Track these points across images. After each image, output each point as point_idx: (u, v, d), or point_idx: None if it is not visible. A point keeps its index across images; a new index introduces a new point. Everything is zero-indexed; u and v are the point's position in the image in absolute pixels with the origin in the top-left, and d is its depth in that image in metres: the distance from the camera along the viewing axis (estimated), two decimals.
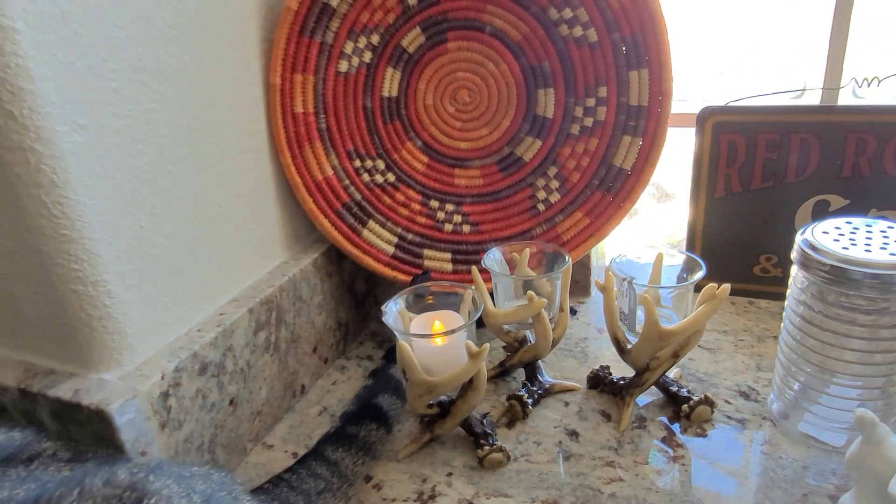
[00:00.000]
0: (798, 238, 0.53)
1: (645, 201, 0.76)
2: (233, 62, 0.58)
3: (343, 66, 0.68)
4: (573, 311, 0.80)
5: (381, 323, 0.81)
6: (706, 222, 0.78)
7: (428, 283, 0.58)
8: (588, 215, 0.73)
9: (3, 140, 0.41)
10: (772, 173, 0.74)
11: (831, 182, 0.72)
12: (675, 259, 0.61)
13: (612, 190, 0.72)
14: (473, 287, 0.58)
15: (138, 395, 0.47)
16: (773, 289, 0.78)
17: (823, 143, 0.70)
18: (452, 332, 0.52)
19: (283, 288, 0.63)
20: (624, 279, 0.57)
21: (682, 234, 0.94)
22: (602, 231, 0.72)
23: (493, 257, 0.64)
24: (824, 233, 0.52)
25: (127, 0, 0.47)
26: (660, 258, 0.61)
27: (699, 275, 0.56)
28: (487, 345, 0.51)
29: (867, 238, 0.51)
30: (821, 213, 0.73)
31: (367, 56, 0.69)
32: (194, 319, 0.56)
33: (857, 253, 0.49)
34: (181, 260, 0.54)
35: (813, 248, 0.51)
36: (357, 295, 0.78)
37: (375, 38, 0.68)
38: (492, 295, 0.64)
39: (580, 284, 0.84)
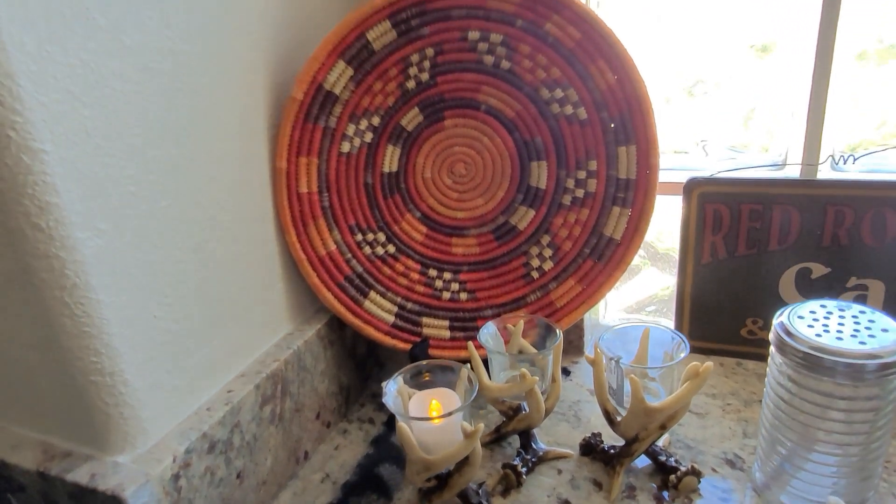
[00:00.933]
0: (775, 321, 0.56)
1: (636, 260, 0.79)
2: (241, 152, 0.62)
3: (345, 146, 0.71)
4: (566, 372, 0.83)
5: (381, 383, 0.84)
6: (694, 286, 0.81)
7: (425, 361, 0.61)
8: (580, 282, 0.76)
9: (31, 249, 0.45)
10: (756, 241, 0.77)
11: (813, 251, 0.75)
12: (663, 335, 0.63)
13: (603, 258, 0.75)
14: (469, 364, 0.61)
15: (151, 480, 0.50)
16: (760, 350, 0.81)
17: (804, 215, 0.74)
18: (449, 414, 0.55)
19: (289, 361, 0.66)
20: (611, 358, 0.60)
21: (671, 290, 0.97)
22: (594, 298, 0.76)
23: (488, 331, 0.67)
24: (800, 317, 0.55)
25: (144, 109, 0.51)
26: (646, 334, 0.64)
27: (683, 355, 0.59)
28: (482, 425, 0.54)
29: (839, 324, 0.54)
30: (804, 279, 0.76)
31: (368, 136, 0.72)
32: (203, 397, 0.59)
33: (829, 340, 0.51)
34: (192, 343, 0.57)
35: (788, 332, 0.54)
36: (358, 358, 0.81)
37: (376, 120, 0.72)
38: (486, 364, 0.67)
39: (573, 344, 0.87)
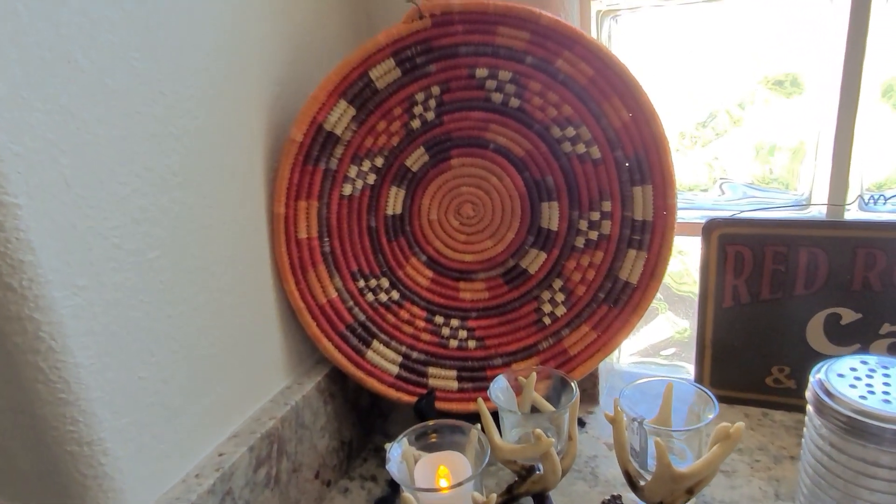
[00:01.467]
0: (812, 378, 0.52)
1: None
2: (237, 196, 0.59)
3: (347, 189, 0.68)
4: (581, 423, 0.78)
5: (386, 436, 0.80)
6: (715, 331, 0.77)
7: (431, 421, 0.56)
8: (595, 329, 0.72)
9: (2, 311, 0.41)
10: (780, 285, 0.73)
11: (842, 295, 0.70)
12: (688, 390, 0.59)
13: (619, 303, 0.71)
14: (479, 424, 0.57)
15: None
16: (788, 400, 0.76)
17: (832, 257, 0.70)
18: (459, 485, 0.50)
19: (286, 418, 0.62)
20: (634, 419, 0.55)
21: (689, 333, 0.92)
22: (609, 345, 0.71)
23: (499, 386, 0.62)
24: (840, 376, 0.51)
25: (131, 155, 0.47)
26: (670, 389, 0.59)
27: (712, 416, 0.55)
28: (494, 495, 0.49)
29: (885, 384, 0.49)
30: (833, 326, 0.71)
31: (371, 178, 0.69)
32: (192, 462, 0.55)
33: (874, 403, 0.47)
34: (180, 402, 0.53)
35: (828, 393, 0.49)
36: (361, 410, 0.77)
37: (380, 161, 0.69)
38: (497, 417, 0.62)
39: (588, 393, 0.82)
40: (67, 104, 0.42)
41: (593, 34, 0.75)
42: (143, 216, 0.49)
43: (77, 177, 0.43)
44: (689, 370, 0.89)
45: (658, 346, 0.95)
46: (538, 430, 0.55)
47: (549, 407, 0.62)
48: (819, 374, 0.51)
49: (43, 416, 0.44)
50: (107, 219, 0.46)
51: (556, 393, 0.65)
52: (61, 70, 0.42)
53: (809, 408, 0.52)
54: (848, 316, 0.71)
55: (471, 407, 0.70)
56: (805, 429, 0.54)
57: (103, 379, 0.46)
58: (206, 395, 0.56)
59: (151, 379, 0.50)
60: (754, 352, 0.76)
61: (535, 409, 0.63)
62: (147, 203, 0.49)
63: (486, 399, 0.62)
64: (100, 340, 0.46)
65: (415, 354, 0.72)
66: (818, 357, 0.72)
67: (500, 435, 0.60)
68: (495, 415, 0.61)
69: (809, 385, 0.51)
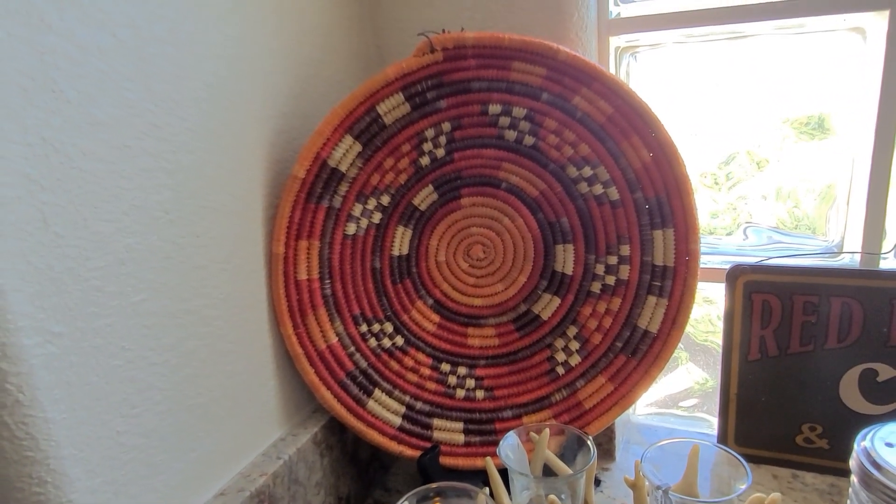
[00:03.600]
0: (856, 446, 0.47)
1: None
2: (233, 235, 0.55)
3: (351, 228, 0.65)
4: (597, 482, 0.73)
5: (386, 490, 0.75)
6: (741, 385, 0.72)
7: (434, 484, 0.52)
8: (612, 381, 0.67)
9: None
10: (811, 337, 0.68)
11: (878, 350, 0.66)
12: (716, 454, 0.54)
13: (638, 354, 0.67)
14: (488, 485, 0.52)
15: None
16: (820, 461, 0.70)
17: (867, 309, 0.65)
18: None
19: (278, 474, 0.57)
20: (658, 487, 0.50)
21: (710, 385, 0.88)
22: (627, 398, 0.67)
23: (509, 443, 0.58)
24: (888, 445, 0.46)
25: (118, 191, 0.44)
26: (695, 453, 0.54)
27: (744, 486, 0.50)
28: None
29: None
30: (869, 382, 0.66)
31: (377, 217, 0.66)
32: None
33: None
34: (162, 458, 0.49)
35: (875, 464, 0.44)
36: (361, 463, 0.72)
37: (386, 199, 0.65)
38: (505, 475, 0.58)
39: (603, 448, 0.77)
40: (50, 137, 0.39)
41: (612, 72, 0.72)
42: (128, 256, 0.45)
43: (57, 214, 0.40)
44: (712, 423, 0.84)
45: (677, 397, 0.90)
46: (552, 498, 0.50)
47: (563, 468, 0.57)
48: (864, 442, 0.46)
49: (7, 477, 0.40)
50: (88, 259, 0.42)
51: (571, 451, 0.60)
52: (44, 100, 0.39)
53: (854, 479, 0.47)
54: (885, 372, 0.66)
55: (478, 463, 0.66)
56: (848, 501, 0.48)
57: (77, 434, 0.42)
58: (191, 450, 0.51)
59: (131, 433, 0.46)
60: (783, 408, 0.71)
61: (547, 470, 0.58)
62: (134, 242, 0.45)
63: (495, 456, 0.58)
64: (74, 392, 0.42)
65: (419, 405, 0.67)
66: (853, 416, 0.68)
67: (510, 498, 0.56)
68: (504, 472, 0.56)
69: (854, 454, 0.46)
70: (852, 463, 0.47)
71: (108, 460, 0.44)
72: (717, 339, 0.84)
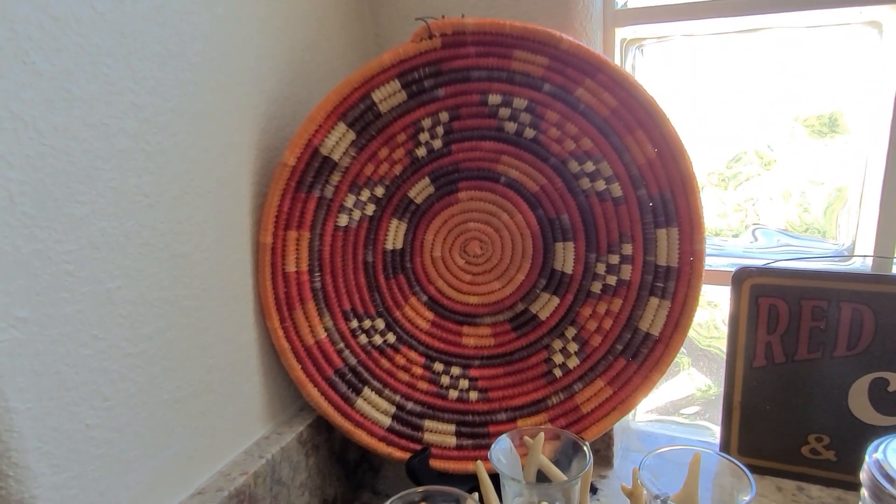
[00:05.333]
0: (868, 458, 0.44)
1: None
2: (218, 223, 0.53)
3: (343, 220, 0.62)
4: (593, 490, 0.70)
5: (375, 493, 0.72)
6: (745, 393, 0.69)
7: (420, 488, 0.49)
8: (611, 385, 0.65)
9: None
10: (820, 344, 0.65)
11: (890, 358, 0.63)
12: (718, 463, 0.52)
13: (638, 357, 0.64)
14: (477, 493, 0.50)
15: None
16: (827, 474, 0.68)
17: (879, 316, 0.62)
18: None
19: (259, 474, 0.55)
20: (656, 497, 0.48)
21: (713, 392, 0.85)
22: (627, 403, 0.64)
23: (501, 447, 0.55)
24: None
25: (93, 172, 0.42)
26: (697, 462, 0.52)
27: (748, 498, 0.47)
28: None
29: None
30: (879, 392, 0.64)
31: (370, 208, 0.64)
32: None
33: None
34: (135, 455, 0.47)
35: (888, 477, 0.42)
36: (349, 464, 0.69)
37: (380, 191, 0.63)
38: (497, 481, 0.55)
39: (601, 454, 0.74)
40: (19, 110, 0.37)
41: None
42: (103, 241, 0.43)
43: (25, 193, 0.38)
44: (714, 432, 0.81)
45: (678, 403, 0.88)
46: None
47: (558, 475, 0.55)
48: (876, 454, 0.44)
49: None
50: (59, 242, 0.40)
51: (567, 457, 0.58)
52: (13, 70, 0.37)
53: (864, 492, 0.44)
54: None
55: (469, 467, 0.63)
56: None
57: (42, 426, 0.40)
58: (167, 446, 0.49)
59: (102, 427, 0.44)
60: (788, 417, 0.68)
61: (541, 476, 0.56)
62: (109, 226, 0.43)
63: (486, 460, 0.55)
64: (40, 381, 0.39)
65: (410, 405, 0.65)
66: (862, 427, 0.65)
67: None
68: (496, 477, 0.54)
69: (865, 466, 0.44)
70: (863, 475, 0.44)
71: (75, 454, 0.42)
72: (721, 345, 0.82)
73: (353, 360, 0.64)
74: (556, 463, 0.57)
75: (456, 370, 0.66)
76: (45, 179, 0.39)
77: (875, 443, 0.45)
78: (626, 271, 0.64)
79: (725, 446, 0.71)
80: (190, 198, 0.50)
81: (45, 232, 0.39)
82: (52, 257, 0.40)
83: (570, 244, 0.65)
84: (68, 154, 0.40)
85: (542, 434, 0.57)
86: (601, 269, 0.65)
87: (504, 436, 0.56)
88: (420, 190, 0.64)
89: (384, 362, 0.65)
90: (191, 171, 0.50)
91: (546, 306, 0.66)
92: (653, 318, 0.64)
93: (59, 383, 0.41)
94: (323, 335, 0.62)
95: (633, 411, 0.84)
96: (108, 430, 0.44)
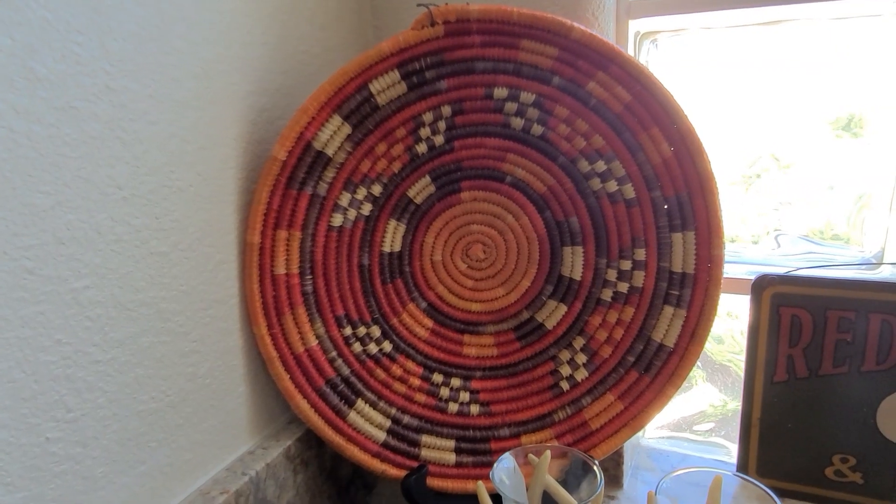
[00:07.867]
0: None
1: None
2: (201, 220, 0.49)
3: (337, 219, 0.59)
4: None
5: None
6: (765, 409, 0.65)
7: None
8: (621, 399, 0.61)
9: None
10: (846, 358, 0.61)
11: None
12: (740, 486, 0.47)
13: (651, 370, 0.60)
14: None
15: None
16: (854, 498, 0.63)
17: None
18: None
19: (242, 492, 0.51)
20: None
21: (728, 408, 0.81)
22: (638, 420, 0.61)
23: (504, 466, 0.51)
24: None
25: (58, 159, 0.38)
26: (717, 484, 0.48)
27: None
28: None
29: None
30: None
31: (367, 208, 0.60)
32: None
33: None
34: (102, 471, 0.43)
35: None
36: (340, 482, 0.65)
37: (377, 189, 0.60)
38: (497, 502, 0.51)
39: (610, 473, 0.70)
40: None
41: None
42: (69, 235, 0.39)
43: None
44: (730, 450, 0.77)
45: (691, 419, 0.83)
46: None
47: (566, 497, 0.50)
48: None
49: None
50: (17, 235, 0.36)
51: (575, 477, 0.54)
52: None
53: None
54: None
55: (469, 486, 0.59)
56: None
57: None
58: (139, 462, 0.45)
59: (64, 441, 0.40)
60: (811, 436, 0.64)
61: (547, 498, 0.52)
62: (77, 219, 0.39)
63: (488, 480, 0.51)
64: None
65: (406, 419, 0.61)
66: (891, 448, 0.61)
67: None
68: (498, 498, 0.50)
69: None
70: None
71: (32, 471, 0.38)
72: (739, 358, 0.78)
73: (346, 370, 0.60)
74: (564, 483, 0.53)
75: (456, 382, 0.62)
76: (2, 165, 0.35)
77: None
78: (639, 278, 0.60)
79: (743, 466, 0.67)
80: (169, 192, 0.46)
81: (1, 224, 0.35)
82: (8, 252, 0.36)
83: (580, 248, 0.61)
84: (30, 138, 0.37)
85: (548, 452, 0.53)
86: (612, 275, 0.61)
87: (507, 453, 0.52)
88: (420, 189, 0.61)
89: (379, 373, 0.61)
90: (171, 162, 0.46)
91: (553, 315, 0.62)
92: (667, 328, 0.60)
93: (14, 392, 0.37)
94: (314, 343, 0.58)
95: (644, 427, 0.80)
96: (72, 444, 0.40)
